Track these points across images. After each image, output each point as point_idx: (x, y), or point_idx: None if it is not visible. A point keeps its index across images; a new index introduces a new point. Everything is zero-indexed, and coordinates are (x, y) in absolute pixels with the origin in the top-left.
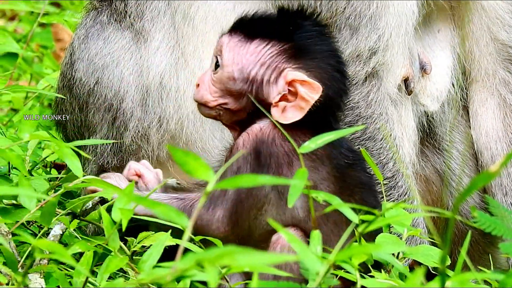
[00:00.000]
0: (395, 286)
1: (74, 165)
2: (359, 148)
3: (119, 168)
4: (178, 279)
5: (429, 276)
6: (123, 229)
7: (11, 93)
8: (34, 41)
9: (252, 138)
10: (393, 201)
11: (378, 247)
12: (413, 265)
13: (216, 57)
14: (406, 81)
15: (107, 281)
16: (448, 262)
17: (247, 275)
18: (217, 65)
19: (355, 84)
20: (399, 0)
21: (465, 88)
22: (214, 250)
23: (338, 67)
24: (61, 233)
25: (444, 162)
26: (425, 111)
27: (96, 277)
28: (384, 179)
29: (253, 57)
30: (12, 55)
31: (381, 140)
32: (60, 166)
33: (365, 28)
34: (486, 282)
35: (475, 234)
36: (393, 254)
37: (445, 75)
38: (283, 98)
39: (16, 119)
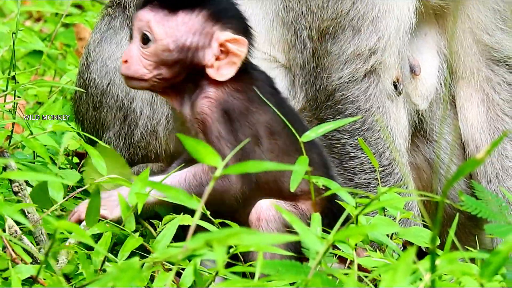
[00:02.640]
0: (389, 264)
1: (100, 165)
2: (358, 138)
3: (131, 162)
4: (189, 258)
5: (420, 255)
6: (139, 211)
7: (36, 87)
8: (58, 40)
9: (215, 101)
10: (390, 186)
11: (373, 228)
12: (406, 244)
13: (143, 33)
14: (396, 82)
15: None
16: (438, 242)
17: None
18: (145, 40)
19: (355, 80)
20: (399, 5)
21: (452, 85)
22: (222, 230)
23: (245, 17)
24: None
25: (433, 151)
26: (416, 110)
27: (115, 257)
28: (382, 167)
29: (184, 27)
30: (38, 53)
31: (378, 131)
32: (81, 155)
33: (366, 29)
34: (472, 260)
35: (462, 217)
36: (387, 235)
37: (433, 76)
38: (216, 58)
39: (41, 112)
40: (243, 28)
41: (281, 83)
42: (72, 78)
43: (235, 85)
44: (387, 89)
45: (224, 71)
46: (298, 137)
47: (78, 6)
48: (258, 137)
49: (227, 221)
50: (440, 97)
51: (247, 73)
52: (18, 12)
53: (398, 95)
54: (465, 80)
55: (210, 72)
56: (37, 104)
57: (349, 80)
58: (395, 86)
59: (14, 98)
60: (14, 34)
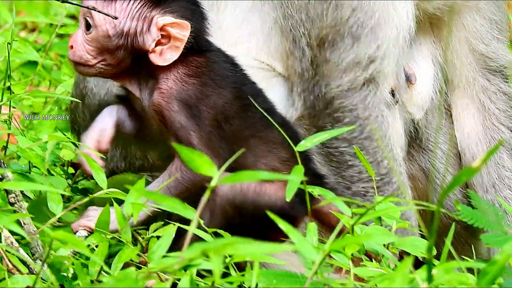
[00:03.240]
0: (385, 274)
1: (100, 177)
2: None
3: (128, 171)
4: (185, 268)
5: (417, 265)
6: (134, 221)
7: (31, 97)
8: (53, 50)
9: (168, 92)
10: (387, 195)
11: (369, 238)
12: (402, 254)
13: (86, 19)
14: (392, 91)
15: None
16: (434, 252)
17: None
18: (88, 26)
19: (354, 88)
20: (399, 14)
21: (448, 95)
22: (219, 240)
23: (193, 1)
24: (86, 235)
25: (429, 161)
26: (411, 119)
27: (110, 267)
28: (380, 176)
29: (123, 13)
30: (33, 63)
31: (376, 140)
32: (76, 165)
33: (366, 37)
34: (469, 270)
35: (458, 227)
36: (384, 245)
37: (429, 85)
38: (158, 43)
39: (36, 122)
40: (187, 11)
41: (279, 91)
42: (67, 88)
43: (187, 69)
44: (386, 98)
45: (166, 55)
46: (293, 145)
47: (73, 17)
48: (219, 120)
49: (219, 231)
50: (436, 106)
51: (200, 55)
52: (13, 23)
53: (395, 104)
54: (461, 89)
55: (152, 57)
56: (32, 115)
57: (348, 88)
58: (392, 94)
59: (10, 109)
60: (9, 45)
